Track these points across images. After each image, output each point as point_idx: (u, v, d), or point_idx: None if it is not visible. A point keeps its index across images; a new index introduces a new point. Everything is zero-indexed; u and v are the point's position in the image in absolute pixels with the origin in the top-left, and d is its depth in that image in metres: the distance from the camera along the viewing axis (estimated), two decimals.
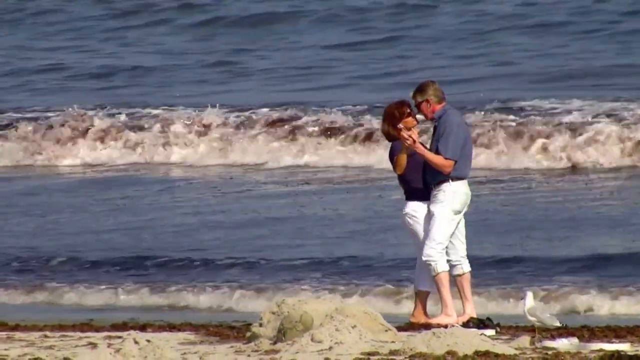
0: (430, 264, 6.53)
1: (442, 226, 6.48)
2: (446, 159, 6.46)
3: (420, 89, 6.62)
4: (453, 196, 6.51)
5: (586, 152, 15.74)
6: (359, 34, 26.96)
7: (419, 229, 6.65)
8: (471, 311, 6.65)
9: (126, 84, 23.21)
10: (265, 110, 18.67)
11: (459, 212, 6.58)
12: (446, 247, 6.60)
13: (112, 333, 6.17)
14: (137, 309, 8.23)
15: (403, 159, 6.57)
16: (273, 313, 5.42)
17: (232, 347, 5.47)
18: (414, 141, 6.51)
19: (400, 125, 6.57)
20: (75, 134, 18.34)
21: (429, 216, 6.56)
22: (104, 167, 17.43)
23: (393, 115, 6.66)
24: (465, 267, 6.72)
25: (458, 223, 6.64)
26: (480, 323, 6.29)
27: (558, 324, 5.85)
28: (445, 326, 5.40)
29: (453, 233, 6.62)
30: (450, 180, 6.50)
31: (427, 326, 5.97)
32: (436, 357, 4.76)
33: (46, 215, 12.97)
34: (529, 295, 5.74)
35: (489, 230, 10.77)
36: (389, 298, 8.27)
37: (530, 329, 5.80)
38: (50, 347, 5.57)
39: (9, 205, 13.90)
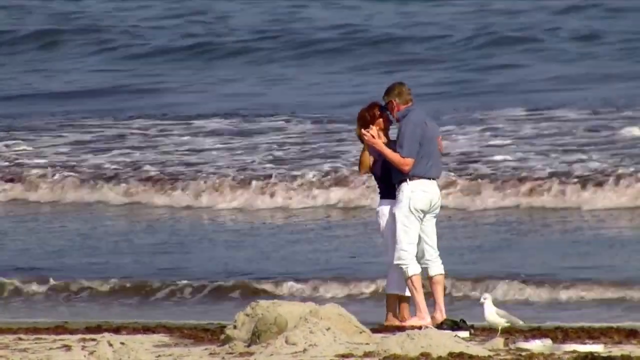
0: (401, 268, 6.53)
1: (405, 227, 6.47)
2: (403, 157, 6.48)
3: (386, 91, 6.68)
4: (411, 195, 6.49)
5: None
6: None
7: (384, 227, 6.68)
8: (440, 316, 6.62)
9: None
10: None
11: (422, 211, 6.54)
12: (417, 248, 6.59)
13: (87, 335, 6.15)
14: None
15: (365, 157, 6.64)
16: (247, 315, 5.41)
17: (206, 349, 5.47)
18: (372, 136, 6.54)
19: (371, 127, 6.63)
20: None
21: (392, 216, 6.57)
22: None
23: (364, 118, 6.73)
24: (433, 269, 6.68)
25: (423, 222, 6.62)
26: (454, 324, 6.29)
27: (522, 323, 5.95)
28: (420, 328, 5.40)
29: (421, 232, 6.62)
30: (408, 180, 6.51)
31: (402, 328, 5.98)
32: (410, 359, 4.76)
33: None
34: (489, 299, 5.85)
35: None
36: None
37: (505, 331, 5.84)
38: (24, 350, 5.56)
39: None
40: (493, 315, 5.81)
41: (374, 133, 6.55)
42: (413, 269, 6.50)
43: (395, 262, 6.53)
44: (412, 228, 6.51)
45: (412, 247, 6.52)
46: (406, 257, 6.48)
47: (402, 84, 6.73)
